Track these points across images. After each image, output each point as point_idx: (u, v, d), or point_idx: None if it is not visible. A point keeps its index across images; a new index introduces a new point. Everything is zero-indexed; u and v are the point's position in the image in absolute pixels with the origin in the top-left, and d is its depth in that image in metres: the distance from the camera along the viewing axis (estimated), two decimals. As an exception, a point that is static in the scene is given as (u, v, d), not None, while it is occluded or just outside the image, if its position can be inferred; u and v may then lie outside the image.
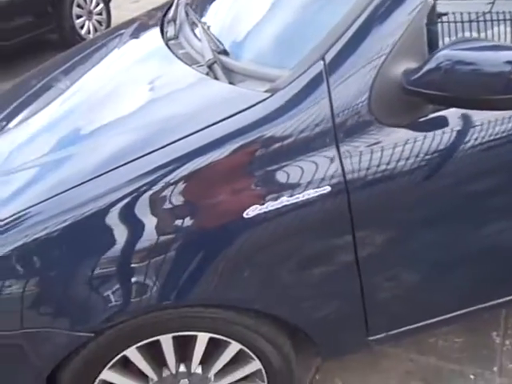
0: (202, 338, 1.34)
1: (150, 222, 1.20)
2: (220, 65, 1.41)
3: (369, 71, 1.20)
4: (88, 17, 5.12)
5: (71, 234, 1.20)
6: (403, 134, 1.25)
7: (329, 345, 1.48)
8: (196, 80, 1.45)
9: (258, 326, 1.34)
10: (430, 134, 1.25)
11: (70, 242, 1.20)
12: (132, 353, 1.32)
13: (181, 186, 1.21)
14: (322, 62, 1.23)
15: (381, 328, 1.47)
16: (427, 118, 1.26)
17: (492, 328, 1.86)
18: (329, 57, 1.22)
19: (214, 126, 1.25)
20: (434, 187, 1.29)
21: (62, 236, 1.19)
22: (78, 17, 5.02)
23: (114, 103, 1.54)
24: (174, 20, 1.84)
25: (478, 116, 1.27)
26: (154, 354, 1.35)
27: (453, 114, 1.26)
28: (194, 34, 1.65)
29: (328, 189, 1.22)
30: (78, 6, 5.01)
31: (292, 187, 1.21)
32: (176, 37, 1.73)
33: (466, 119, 1.27)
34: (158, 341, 1.32)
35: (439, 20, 1.28)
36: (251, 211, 1.19)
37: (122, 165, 1.24)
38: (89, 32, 5.12)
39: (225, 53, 1.46)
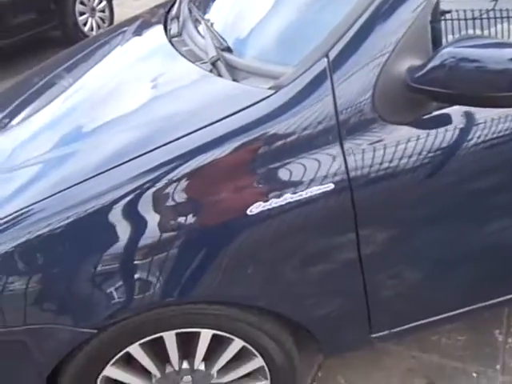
0: (205, 335, 1.34)
1: (152, 219, 1.20)
2: (223, 62, 1.41)
3: (373, 68, 1.20)
4: (91, 14, 5.13)
5: (74, 230, 1.20)
6: (407, 131, 1.24)
7: (331, 342, 1.48)
8: (199, 77, 1.45)
9: (261, 322, 1.35)
10: (434, 131, 1.25)
11: (72, 239, 1.21)
12: (135, 349, 1.32)
13: (184, 183, 1.21)
14: (325, 60, 1.22)
15: (384, 325, 1.47)
16: (431, 115, 1.25)
17: (495, 326, 1.86)
18: (333, 54, 1.22)
19: (218, 123, 1.25)
20: (437, 185, 1.29)
21: (64, 233, 1.20)
22: (81, 14, 5.03)
23: (117, 100, 1.54)
24: (177, 17, 1.84)
25: (481, 114, 1.26)
26: (157, 350, 1.36)
27: (457, 111, 1.26)
28: (198, 31, 1.65)
29: (331, 186, 1.22)
30: (81, 3, 5.02)
31: (296, 184, 1.21)
32: (179, 34, 1.73)
33: (469, 117, 1.27)
34: (161, 337, 1.32)
35: (443, 17, 1.28)
36: (255, 208, 1.19)
37: (125, 162, 1.24)
38: (92, 29, 5.13)
39: (228, 50, 1.46)
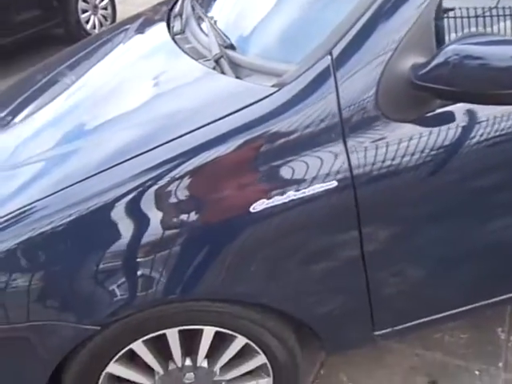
0: (208, 332, 1.34)
1: (155, 216, 1.20)
2: (227, 59, 1.41)
3: (376, 66, 1.20)
4: (93, 11, 5.12)
5: (77, 228, 1.20)
6: (410, 129, 1.24)
7: (334, 340, 1.48)
8: (202, 74, 1.45)
9: (264, 320, 1.35)
10: (438, 129, 1.25)
11: (75, 237, 1.21)
12: (138, 346, 1.32)
13: (187, 180, 1.21)
14: (329, 57, 1.22)
15: (386, 323, 1.47)
16: (434, 113, 1.25)
17: (497, 324, 1.86)
18: (336, 51, 1.22)
19: (221, 121, 1.25)
20: (441, 183, 1.29)
21: (67, 230, 1.20)
22: (84, 11, 5.02)
23: (120, 98, 1.54)
24: (180, 14, 1.84)
25: (485, 111, 1.26)
26: (160, 347, 1.36)
27: (460, 109, 1.25)
28: (201, 29, 1.65)
29: (335, 184, 1.22)
30: (84, 0, 5.01)
31: (299, 182, 1.21)
32: (182, 31, 1.73)
33: (473, 115, 1.26)
34: (164, 334, 1.32)
35: (447, 15, 1.27)
36: (258, 206, 1.19)
37: (128, 160, 1.24)
38: (94, 27, 5.12)
39: (232, 47, 1.46)
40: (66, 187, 1.23)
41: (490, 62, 1.13)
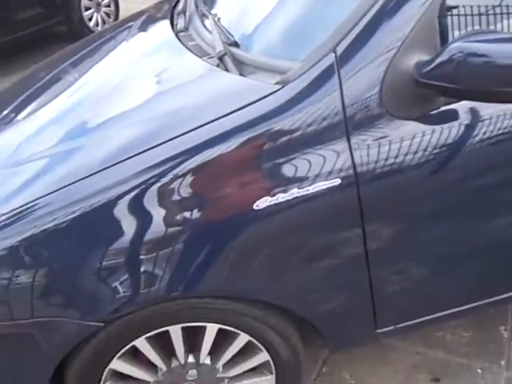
0: (211, 329, 1.34)
1: (158, 213, 1.20)
2: (230, 56, 1.41)
3: (380, 63, 1.20)
4: (96, 9, 5.12)
5: (80, 225, 1.20)
6: (414, 126, 1.24)
7: (337, 337, 1.48)
8: (206, 72, 1.45)
9: (267, 317, 1.35)
10: (442, 126, 1.25)
11: (78, 233, 1.21)
12: (141, 343, 1.32)
13: (189, 178, 1.21)
14: (333, 54, 1.22)
15: (389, 321, 1.47)
16: (438, 110, 1.25)
17: (500, 322, 1.86)
18: (340, 49, 1.22)
19: (225, 118, 1.25)
20: (444, 180, 1.29)
21: (70, 227, 1.20)
22: (87, 9, 5.02)
23: (123, 95, 1.54)
24: (183, 12, 1.84)
25: (489, 109, 1.26)
26: (163, 344, 1.36)
27: (464, 106, 1.25)
28: (204, 26, 1.65)
29: (338, 181, 1.22)
30: (87, -3, 5.02)
31: (302, 179, 1.21)
32: (186, 29, 1.73)
33: (477, 112, 1.26)
34: (167, 331, 1.32)
35: (451, 12, 1.27)
36: (261, 203, 1.20)
37: (131, 157, 1.24)
38: (97, 24, 5.12)
39: (235, 44, 1.46)
40: (69, 184, 1.23)
41: (494, 60, 1.13)
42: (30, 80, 1.96)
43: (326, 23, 1.32)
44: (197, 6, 1.79)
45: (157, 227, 1.20)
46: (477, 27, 1.29)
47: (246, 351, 1.43)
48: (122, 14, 5.09)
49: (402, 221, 1.33)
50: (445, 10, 1.25)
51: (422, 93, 1.20)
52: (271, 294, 1.32)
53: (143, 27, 2.02)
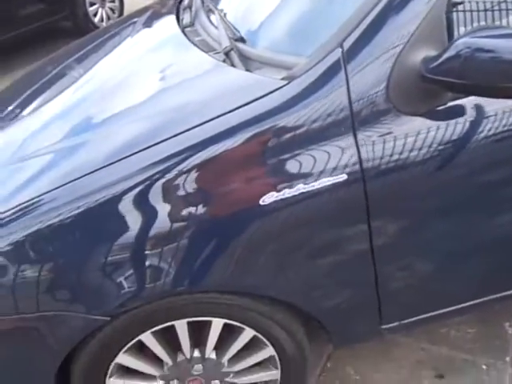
0: (217, 324, 1.35)
1: (163, 209, 1.20)
2: (237, 52, 1.41)
3: (387, 59, 1.19)
4: (101, 4, 5.12)
5: (85, 220, 1.21)
6: (421, 122, 1.24)
7: (342, 333, 1.49)
8: (212, 67, 1.45)
9: (273, 312, 1.35)
10: (449, 122, 1.24)
11: (83, 229, 1.21)
12: (147, 337, 1.33)
13: (195, 174, 1.21)
14: (339, 50, 1.22)
15: (394, 317, 1.47)
16: (445, 106, 1.25)
17: (504, 319, 1.86)
18: (347, 44, 1.22)
19: (231, 114, 1.25)
20: (451, 176, 1.28)
21: (75, 222, 1.20)
22: (92, 4, 5.02)
23: (128, 91, 1.54)
24: (189, 7, 1.84)
25: (496, 105, 1.26)
26: (169, 338, 1.36)
27: (471, 102, 1.25)
28: (210, 22, 1.65)
29: (344, 177, 1.21)
30: (91, -7, 5.02)
31: (308, 175, 1.21)
32: (192, 24, 1.73)
33: (484, 108, 1.26)
34: (172, 326, 1.33)
35: (458, 8, 1.27)
36: (268, 198, 1.20)
37: (136, 152, 1.24)
38: (102, 20, 5.12)
39: (242, 40, 1.46)
40: (74, 180, 1.23)
41: (501, 55, 1.12)
42: (35, 76, 1.96)
43: (333, 18, 1.31)
44: (203, 2, 1.79)
45: (162, 222, 1.20)
46: (484, 22, 1.29)
47: (252, 346, 1.43)
48: (127, 10, 5.09)
49: (408, 217, 1.33)
50: (452, 6, 1.24)
51: (428, 88, 1.20)
52: (277, 290, 1.32)
53: (148, 23, 2.02)
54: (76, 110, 1.54)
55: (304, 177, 1.20)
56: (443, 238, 1.37)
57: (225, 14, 1.60)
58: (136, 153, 1.24)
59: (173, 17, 1.83)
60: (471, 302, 1.50)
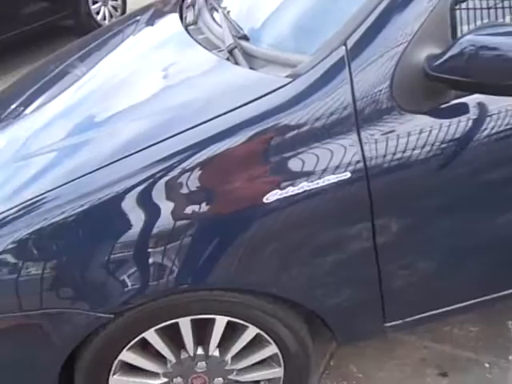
0: (220, 322, 1.35)
1: (167, 207, 1.20)
2: (241, 50, 1.41)
3: (391, 56, 1.19)
4: (104, 2, 5.11)
5: (88, 218, 1.21)
6: (424, 120, 1.24)
7: (345, 331, 1.49)
8: (216, 65, 1.46)
9: (276, 310, 1.35)
10: (452, 120, 1.24)
11: (87, 226, 1.22)
12: (151, 335, 1.33)
13: (198, 172, 1.21)
14: (343, 48, 1.22)
15: (397, 315, 1.47)
16: (449, 104, 1.25)
17: (507, 317, 1.86)
18: (351, 42, 1.22)
19: (235, 111, 1.25)
20: (455, 174, 1.28)
21: (79, 220, 1.20)
22: (94, 2, 5.02)
23: (132, 89, 1.54)
24: (192, 5, 1.84)
25: (501, 103, 1.25)
26: (173, 336, 1.36)
27: (475, 100, 1.25)
28: (214, 20, 1.65)
29: (348, 175, 1.21)
30: (94, -9, 5.02)
31: (312, 173, 1.21)
32: (195, 22, 1.73)
33: (488, 106, 1.26)
34: (176, 323, 1.33)
35: (462, 5, 1.27)
36: (271, 196, 1.20)
37: (139, 151, 1.24)
38: (104, 18, 5.11)
39: (245, 38, 1.46)
40: (78, 178, 1.24)
41: (505, 53, 1.12)
42: (38, 74, 1.97)
43: (337, 16, 1.31)
44: (206, 0, 1.78)
45: (166, 220, 1.20)
46: (488, 20, 1.28)
47: (255, 344, 1.43)
48: (130, 8, 5.08)
49: (412, 215, 1.32)
50: (456, 3, 1.24)
51: (432, 86, 1.20)
52: (280, 287, 1.32)
53: (151, 21, 2.02)
54: (79, 108, 1.54)
55: (307, 175, 1.21)
56: (447, 236, 1.37)
57: (228, 12, 1.60)
58: (139, 151, 1.24)
59: (176, 15, 1.83)
60: (474, 301, 1.50)
